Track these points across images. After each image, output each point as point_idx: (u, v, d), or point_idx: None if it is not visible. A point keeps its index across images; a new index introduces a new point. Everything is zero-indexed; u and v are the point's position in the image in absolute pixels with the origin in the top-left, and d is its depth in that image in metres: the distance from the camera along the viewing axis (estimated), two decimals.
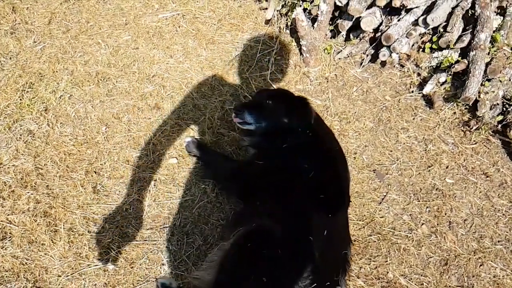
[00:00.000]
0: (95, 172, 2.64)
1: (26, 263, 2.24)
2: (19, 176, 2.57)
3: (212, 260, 2.02)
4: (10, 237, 2.32)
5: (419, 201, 2.74)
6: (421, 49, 3.37)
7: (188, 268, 2.32)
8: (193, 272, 2.23)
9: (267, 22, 3.70)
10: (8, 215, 2.40)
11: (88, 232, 2.39)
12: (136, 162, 2.71)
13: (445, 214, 2.70)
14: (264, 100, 2.59)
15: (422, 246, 2.54)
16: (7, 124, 2.82)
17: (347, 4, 3.17)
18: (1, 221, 2.38)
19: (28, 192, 2.49)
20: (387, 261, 2.46)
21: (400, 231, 2.60)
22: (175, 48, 3.44)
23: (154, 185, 2.61)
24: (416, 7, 3.19)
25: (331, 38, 3.63)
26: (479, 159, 2.98)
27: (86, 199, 2.51)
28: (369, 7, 3.30)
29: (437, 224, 2.65)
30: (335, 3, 3.26)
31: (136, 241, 2.39)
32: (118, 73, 3.22)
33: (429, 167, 2.91)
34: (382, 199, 2.73)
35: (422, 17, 3.09)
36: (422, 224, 2.65)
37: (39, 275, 2.22)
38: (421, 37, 3.36)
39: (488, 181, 2.88)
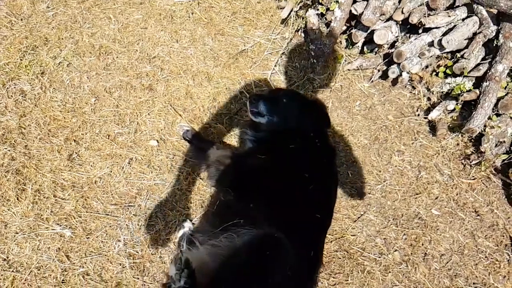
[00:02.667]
0: (75, 141, 2.82)
1: None
2: (1, 132, 2.78)
3: (217, 246, 2.04)
4: None
5: (397, 226, 2.77)
6: (435, 73, 3.40)
7: (143, 250, 2.45)
8: (186, 246, 2.31)
9: (283, 22, 3.81)
10: None
11: (53, 196, 2.56)
12: (116, 137, 2.87)
13: (422, 244, 2.72)
14: (280, 97, 2.71)
15: (389, 272, 2.57)
16: (2, 81, 3.05)
17: (362, 13, 3.25)
18: None
19: (6, 148, 2.70)
20: (348, 280, 2.50)
21: (369, 253, 2.64)
22: (183, 34, 3.61)
23: (129, 163, 2.76)
24: (436, 27, 3.24)
25: (345, 48, 3.71)
26: (473, 196, 2.98)
27: (59, 165, 2.69)
28: (387, 20, 3.37)
29: (411, 254, 2.67)
30: (350, 11, 3.35)
31: (98, 213, 2.54)
32: (120, 49, 3.42)
33: (416, 194, 2.93)
34: (358, 217, 2.78)
35: (438, 39, 3.13)
36: (395, 250, 2.68)
37: None
38: (438, 60, 3.40)
39: (478, 220, 2.87)
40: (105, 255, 2.40)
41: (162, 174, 2.75)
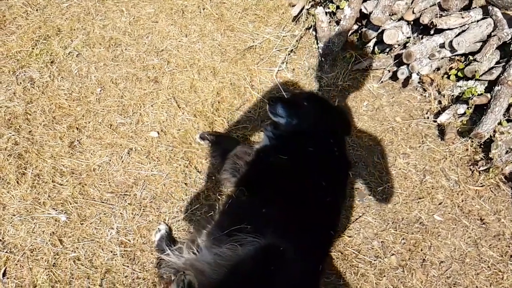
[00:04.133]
0: (77, 129, 2.88)
1: None
2: (7, 117, 2.86)
3: (220, 256, 2.01)
4: None
5: (396, 230, 2.70)
6: (446, 76, 3.32)
7: (135, 238, 2.46)
8: (189, 256, 2.20)
9: (294, 19, 3.79)
10: None
11: (52, 181, 2.61)
12: (118, 127, 2.91)
13: (421, 250, 2.64)
14: (301, 100, 2.70)
15: (384, 276, 2.51)
16: (13, 68, 3.14)
17: (372, 12, 3.20)
18: None
19: (10, 133, 2.77)
20: (340, 281, 2.46)
21: (365, 256, 2.58)
22: (192, 29, 3.64)
23: (128, 153, 2.79)
24: (449, 29, 3.15)
25: (356, 47, 3.65)
26: (480, 203, 2.88)
27: (60, 151, 2.74)
28: (398, 20, 3.31)
29: (409, 259, 2.60)
30: (361, 10, 3.30)
31: (94, 201, 2.57)
32: (130, 41, 3.47)
33: (419, 198, 2.86)
34: (356, 219, 2.72)
35: (449, 40, 3.04)
36: (392, 254, 2.61)
37: None
38: (451, 63, 3.32)
39: (483, 229, 2.78)
40: (98, 242, 2.43)
41: (160, 166, 2.76)
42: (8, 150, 2.71)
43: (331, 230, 2.31)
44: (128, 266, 2.36)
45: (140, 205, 2.60)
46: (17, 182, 2.58)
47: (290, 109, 2.62)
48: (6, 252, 2.33)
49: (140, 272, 2.35)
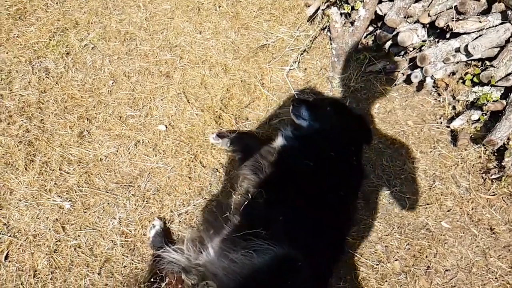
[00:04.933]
0: (87, 119, 2.90)
1: None
2: (21, 105, 2.90)
3: (234, 262, 1.94)
4: None
5: (401, 235, 2.62)
6: (461, 81, 3.22)
7: (136, 229, 2.46)
8: (195, 255, 2.12)
9: (309, 19, 3.75)
10: None
11: (59, 169, 2.63)
12: (127, 119, 2.92)
13: (426, 257, 2.55)
14: (325, 105, 2.69)
15: (386, 282, 2.43)
16: (29, 58, 3.19)
17: (386, 14, 3.13)
18: None
19: (22, 121, 2.81)
20: (340, 284, 2.39)
21: (367, 259, 2.51)
22: (207, 26, 3.64)
23: (135, 145, 2.80)
24: (466, 33, 3.05)
25: (371, 49, 3.59)
26: (491, 212, 2.77)
27: (69, 140, 2.77)
28: (414, 23, 3.23)
29: (413, 265, 2.52)
30: (376, 12, 3.24)
31: (99, 190, 2.58)
32: (145, 36, 3.49)
33: (427, 204, 2.77)
34: (361, 221, 2.65)
35: (465, 44, 2.95)
36: (396, 260, 2.53)
37: (3, 194, 2.50)
38: (467, 68, 3.22)
39: (492, 238, 2.67)
40: (99, 231, 2.43)
41: (165, 159, 2.75)
42: (19, 137, 2.74)
43: (344, 242, 2.30)
44: (127, 257, 2.35)
45: (143, 196, 2.59)
46: (25, 169, 2.61)
47: (314, 113, 2.60)
48: (10, 236, 2.35)
49: (138, 263, 2.34)
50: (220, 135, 2.80)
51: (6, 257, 2.28)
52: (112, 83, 3.13)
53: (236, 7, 3.82)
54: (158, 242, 2.32)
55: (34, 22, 3.49)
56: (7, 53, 3.24)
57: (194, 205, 2.57)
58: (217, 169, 2.73)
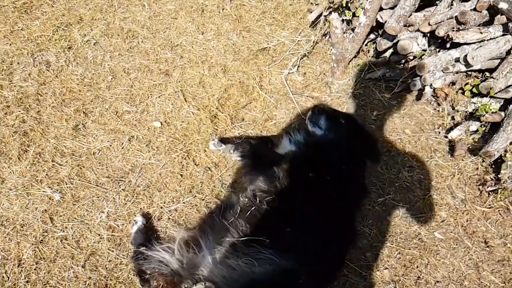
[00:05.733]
0: (84, 113, 2.88)
1: None
2: (19, 96, 2.90)
3: (235, 270, 1.89)
4: None
5: (392, 244, 2.56)
6: (461, 91, 3.16)
7: (124, 224, 2.42)
8: (189, 255, 2.07)
9: (311, 25, 3.72)
10: None
11: (52, 161, 2.61)
12: (123, 115, 2.90)
13: (417, 267, 2.48)
14: (339, 118, 2.68)
15: None
16: (32, 50, 3.20)
17: (386, 21, 3.10)
18: None
19: (19, 111, 2.80)
20: None
21: (356, 266, 2.45)
22: (209, 27, 3.63)
23: (129, 140, 2.77)
24: (466, 43, 3.00)
25: (371, 57, 3.55)
26: (486, 225, 2.70)
27: (64, 133, 2.75)
28: (415, 31, 3.20)
29: (403, 275, 2.45)
30: (377, 19, 3.21)
31: (89, 183, 2.55)
32: (147, 34, 3.48)
33: (421, 213, 2.70)
34: None
35: (464, 54, 2.90)
36: (385, 268, 2.47)
37: None
38: (467, 78, 3.16)
39: (486, 252, 2.59)
40: (87, 224, 2.40)
41: (158, 155, 2.73)
42: (15, 127, 2.73)
43: (344, 261, 2.29)
44: (113, 251, 2.31)
45: (133, 192, 2.56)
46: (19, 158, 2.59)
47: (331, 124, 2.59)
48: None
49: (124, 258, 2.30)
50: (223, 141, 2.69)
51: None
52: (111, 78, 3.12)
53: (239, 10, 3.81)
54: (139, 239, 2.26)
55: (39, 16, 3.50)
56: (10, 45, 3.25)
57: (183, 202, 2.53)
58: (209, 168, 2.68)
